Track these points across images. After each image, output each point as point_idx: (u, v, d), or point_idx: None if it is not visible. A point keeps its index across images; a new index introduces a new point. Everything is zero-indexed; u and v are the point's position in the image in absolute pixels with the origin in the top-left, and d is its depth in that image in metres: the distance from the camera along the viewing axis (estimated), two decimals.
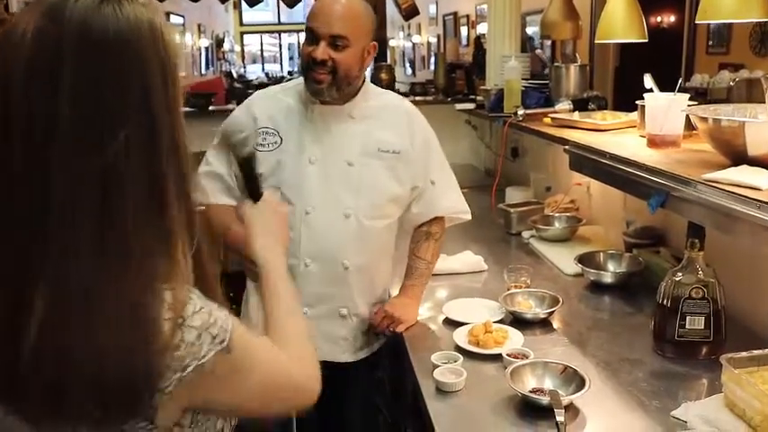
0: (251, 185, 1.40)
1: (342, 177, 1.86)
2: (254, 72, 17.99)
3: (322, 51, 1.78)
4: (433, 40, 12.90)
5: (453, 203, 2.08)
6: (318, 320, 1.90)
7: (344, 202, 1.86)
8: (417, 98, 4.76)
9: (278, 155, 1.85)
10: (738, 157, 1.62)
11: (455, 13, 11.51)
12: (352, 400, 2.08)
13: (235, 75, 15.12)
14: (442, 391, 1.63)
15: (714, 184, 1.52)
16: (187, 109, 4.62)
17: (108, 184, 0.78)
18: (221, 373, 0.84)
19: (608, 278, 2.27)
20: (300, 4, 6.48)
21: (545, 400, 1.48)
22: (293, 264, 1.77)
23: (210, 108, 4.78)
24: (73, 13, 0.78)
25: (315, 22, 1.79)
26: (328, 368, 1.93)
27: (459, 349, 1.81)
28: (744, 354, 1.46)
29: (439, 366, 1.68)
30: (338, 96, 1.85)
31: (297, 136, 1.87)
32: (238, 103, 2.11)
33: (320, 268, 1.87)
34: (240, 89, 7.16)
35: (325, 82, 1.81)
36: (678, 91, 2.00)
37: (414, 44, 14.31)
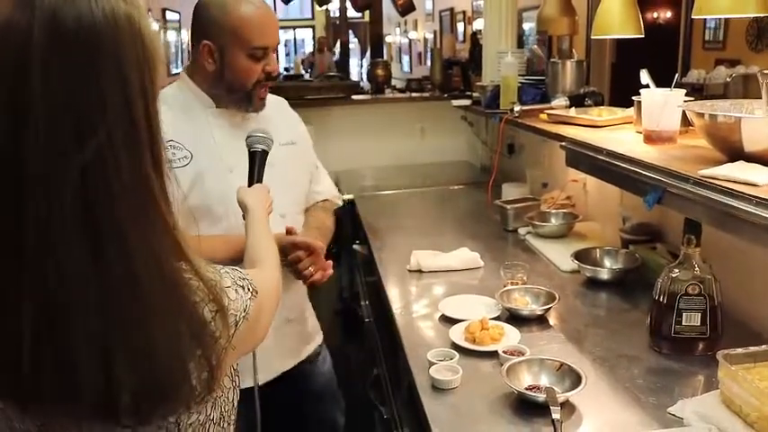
0: (251, 178, 1.57)
1: (265, 178, 1.68)
2: None
3: (275, 63, 1.74)
4: (430, 36, 12.88)
5: (330, 187, 2.08)
6: (273, 334, 1.81)
7: (277, 202, 1.71)
8: (414, 94, 4.75)
9: (193, 169, 1.68)
10: (735, 153, 1.61)
11: (451, 9, 11.48)
12: (312, 397, 2.03)
13: None
14: (437, 388, 1.62)
15: (710, 181, 1.52)
16: None
17: (89, 183, 0.76)
18: (255, 316, 0.96)
19: (604, 275, 2.27)
20: (295, 1, 6.46)
21: (541, 397, 1.48)
22: None
23: None
24: (44, 2, 0.77)
25: (266, 39, 1.70)
26: (283, 380, 1.86)
27: (455, 346, 1.80)
28: (740, 350, 1.46)
29: (435, 364, 1.68)
30: None
31: (205, 146, 1.72)
32: None
33: None
34: None
35: (266, 96, 1.77)
36: (674, 86, 2.00)
37: (410, 40, 14.28)
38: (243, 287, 0.95)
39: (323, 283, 1.77)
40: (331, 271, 1.77)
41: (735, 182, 1.47)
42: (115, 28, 0.79)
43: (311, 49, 19.01)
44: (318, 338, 2.06)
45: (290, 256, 1.69)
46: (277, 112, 1.91)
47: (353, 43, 14.65)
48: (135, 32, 0.81)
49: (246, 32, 1.68)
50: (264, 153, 1.60)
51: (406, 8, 7.44)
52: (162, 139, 0.86)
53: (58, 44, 0.76)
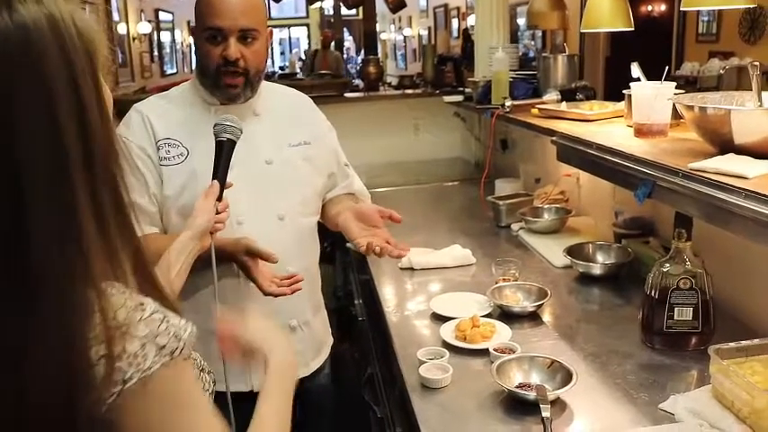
0: (216, 169, 1.51)
1: (265, 178, 1.70)
2: None
3: (234, 49, 1.63)
4: (424, 32, 12.87)
5: (362, 186, 2.03)
6: None
7: (275, 203, 1.72)
8: (407, 91, 4.73)
9: (188, 166, 1.66)
10: (725, 145, 1.60)
11: (445, 5, 11.48)
12: (316, 412, 1.95)
13: None
14: (427, 387, 1.61)
15: (700, 174, 1.50)
16: None
17: (14, 199, 0.72)
18: (164, 389, 0.77)
19: (597, 270, 2.25)
20: None
21: (531, 395, 1.47)
22: (232, 282, 1.65)
23: None
24: None
25: (219, 18, 1.62)
26: None
27: (445, 344, 1.78)
28: (732, 344, 1.45)
29: (425, 362, 1.66)
30: (252, 95, 1.72)
31: (204, 143, 1.65)
32: None
33: None
34: None
35: (240, 85, 1.67)
36: (668, 79, 1.98)
37: (405, 37, 14.28)
38: (162, 347, 0.76)
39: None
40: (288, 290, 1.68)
41: (724, 174, 1.46)
42: (38, 38, 0.73)
43: (306, 48, 18.94)
44: (327, 348, 1.97)
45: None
46: (293, 111, 1.86)
47: (348, 41, 14.63)
48: (60, 35, 0.75)
49: (203, 13, 1.65)
50: (231, 142, 1.54)
51: (397, 4, 7.43)
52: (110, 146, 0.79)
53: None
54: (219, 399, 1.51)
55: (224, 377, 1.58)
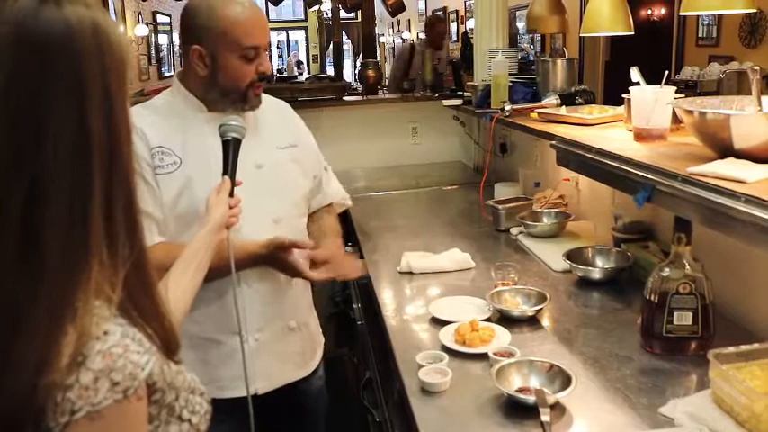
0: (225, 167, 1.57)
1: (257, 182, 1.71)
2: None
3: (269, 63, 1.72)
4: (423, 35, 12.88)
5: (338, 190, 2.05)
6: (270, 342, 1.78)
7: (270, 206, 1.74)
8: (405, 95, 4.72)
9: (182, 174, 1.67)
10: (725, 149, 1.60)
11: (444, 9, 11.50)
12: (311, 415, 1.99)
13: None
14: (427, 391, 1.60)
15: (699, 178, 1.50)
16: None
17: (34, 196, 0.73)
18: (117, 423, 0.76)
19: (596, 274, 2.25)
20: (288, 2, 6.43)
21: (531, 399, 1.46)
22: (230, 290, 1.63)
23: None
24: (10, 15, 0.74)
25: (256, 39, 1.67)
26: (282, 393, 1.83)
27: (445, 348, 1.78)
28: (731, 349, 1.45)
29: (424, 366, 1.66)
30: None
31: (196, 150, 1.69)
32: None
33: (263, 285, 1.74)
34: None
35: (261, 92, 1.74)
36: (668, 84, 1.98)
37: (404, 40, 14.28)
38: (115, 384, 0.75)
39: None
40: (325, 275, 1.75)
41: (724, 179, 1.46)
42: (80, 38, 0.76)
43: (305, 50, 18.86)
44: (321, 347, 2.00)
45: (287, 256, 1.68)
46: (277, 116, 1.88)
47: (346, 44, 14.64)
48: (100, 41, 0.78)
49: (236, 34, 1.65)
50: (237, 141, 1.58)
51: (397, 8, 7.43)
52: (129, 152, 0.82)
53: (22, 57, 0.74)
54: (223, 402, 1.53)
55: (245, 380, 1.60)
